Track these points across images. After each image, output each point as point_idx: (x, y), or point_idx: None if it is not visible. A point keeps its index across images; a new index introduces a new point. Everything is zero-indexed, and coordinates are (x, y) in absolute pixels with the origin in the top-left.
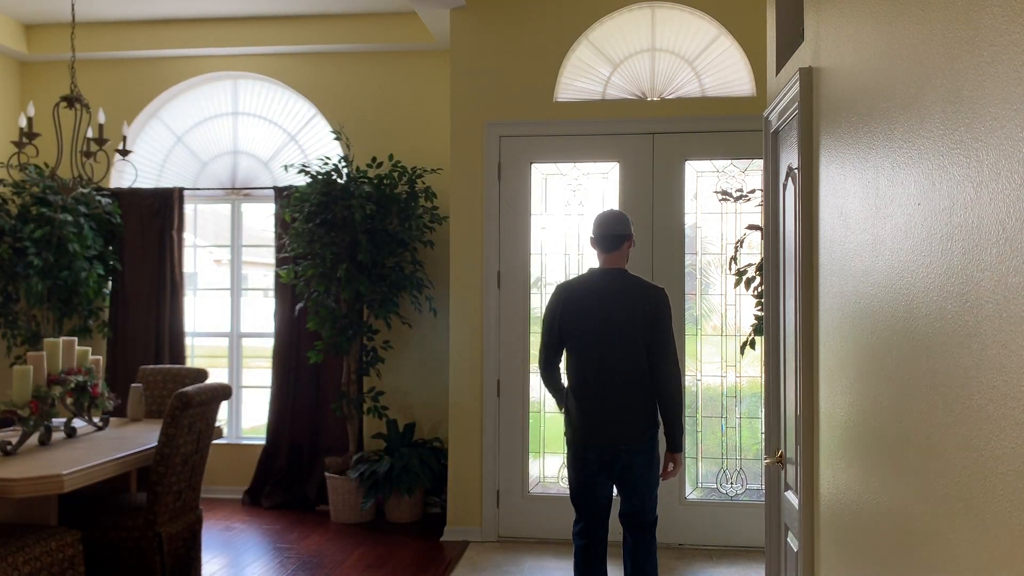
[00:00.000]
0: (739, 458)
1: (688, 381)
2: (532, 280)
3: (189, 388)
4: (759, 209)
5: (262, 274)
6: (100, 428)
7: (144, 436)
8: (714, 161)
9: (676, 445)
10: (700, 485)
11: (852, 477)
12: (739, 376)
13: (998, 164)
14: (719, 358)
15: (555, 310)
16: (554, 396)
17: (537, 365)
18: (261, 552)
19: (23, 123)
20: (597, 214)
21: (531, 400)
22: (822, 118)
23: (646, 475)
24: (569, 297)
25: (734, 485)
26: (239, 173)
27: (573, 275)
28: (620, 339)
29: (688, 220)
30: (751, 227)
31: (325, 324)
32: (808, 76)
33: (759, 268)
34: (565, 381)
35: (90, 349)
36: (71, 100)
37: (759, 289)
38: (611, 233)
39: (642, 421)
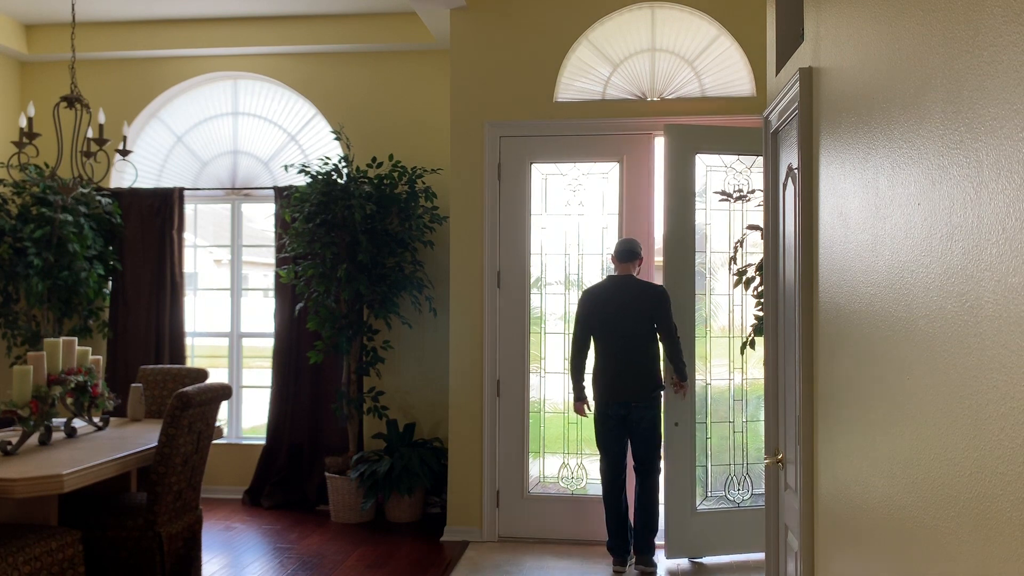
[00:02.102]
0: (746, 463)
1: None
2: (532, 280)
3: (189, 388)
4: (759, 209)
5: (262, 274)
6: (100, 428)
7: (144, 436)
8: (722, 157)
9: (682, 376)
10: (709, 494)
11: (852, 477)
12: (746, 378)
13: (998, 164)
14: (726, 359)
15: (584, 311)
16: (575, 378)
17: (569, 354)
18: (261, 552)
19: (23, 123)
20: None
21: (531, 400)
22: (822, 118)
23: (650, 430)
24: (594, 300)
25: (740, 491)
26: (239, 173)
27: (573, 275)
28: (633, 329)
29: (689, 220)
30: (751, 227)
31: (325, 324)
32: (808, 76)
33: (759, 268)
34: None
35: (90, 349)
36: (71, 100)
37: (759, 289)
38: (627, 249)
39: (647, 386)
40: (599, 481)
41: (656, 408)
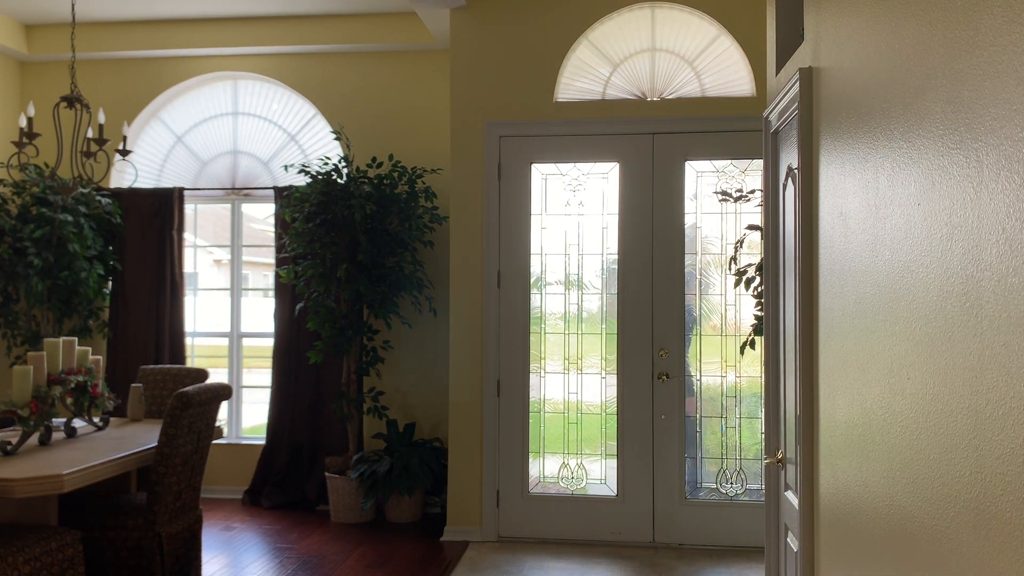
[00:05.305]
0: (739, 458)
1: (689, 381)
2: (532, 280)
3: (189, 388)
4: (759, 209)
5: (262, 274)
6: (100, 428)
7: (144, 436)
8: (714, 161)
9: None
10: (701, 485)
11: (852, 477)
12: (739, 376)
13: (998, 164)
14: (719, 358)
15: None
16: None
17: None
18: (261, 552)
19: (23, 123)
20: None
21: (531, 400)
22: (822, 118)
23: None
24: None
25: (734, 485)
26: (239, 173)
27: (573, 275)
28: None
29: (688, 220)
30: (751, 227)
31: (325, 324)
32: (808, 76)
33: (759, 268)
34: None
35: (90, 349)
36: (71, 100)
37: (759, 289)
38: None
39: None
40: (599, 481)
41: None
